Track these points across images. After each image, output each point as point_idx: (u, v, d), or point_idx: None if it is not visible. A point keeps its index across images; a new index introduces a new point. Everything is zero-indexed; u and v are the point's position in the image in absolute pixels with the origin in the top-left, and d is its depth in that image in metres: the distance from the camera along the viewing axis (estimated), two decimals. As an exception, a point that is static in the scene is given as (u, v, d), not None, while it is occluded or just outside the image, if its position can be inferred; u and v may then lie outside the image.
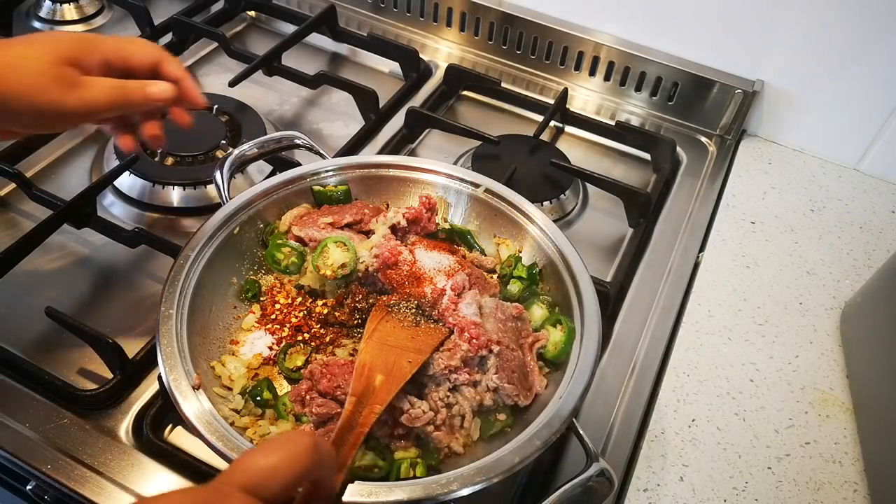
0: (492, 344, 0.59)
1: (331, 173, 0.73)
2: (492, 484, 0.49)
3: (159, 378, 0.56)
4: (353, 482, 0.48)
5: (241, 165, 0.70)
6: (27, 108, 0.53)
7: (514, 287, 0.68)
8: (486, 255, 0.72)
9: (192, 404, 0.53)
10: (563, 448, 0.64)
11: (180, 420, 0.53)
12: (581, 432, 0.55)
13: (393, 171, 0.74)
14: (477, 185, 0.73)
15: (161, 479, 0.60)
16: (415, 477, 0.54)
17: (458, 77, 1.05)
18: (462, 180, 0.73)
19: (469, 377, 0.58)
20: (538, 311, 0.66)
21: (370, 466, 0.54)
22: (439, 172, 0.74)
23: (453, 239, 0.73)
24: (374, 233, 0.68)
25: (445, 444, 0.56)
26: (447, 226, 0.73)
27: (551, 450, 0.63)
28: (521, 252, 0.70)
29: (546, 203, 0.89)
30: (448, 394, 0.58)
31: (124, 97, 0.57)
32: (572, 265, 0.65)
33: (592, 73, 1.06)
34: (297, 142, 0.74)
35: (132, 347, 0.66)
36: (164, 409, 0.63)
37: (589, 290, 0.63)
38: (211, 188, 0.83)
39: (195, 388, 0.54)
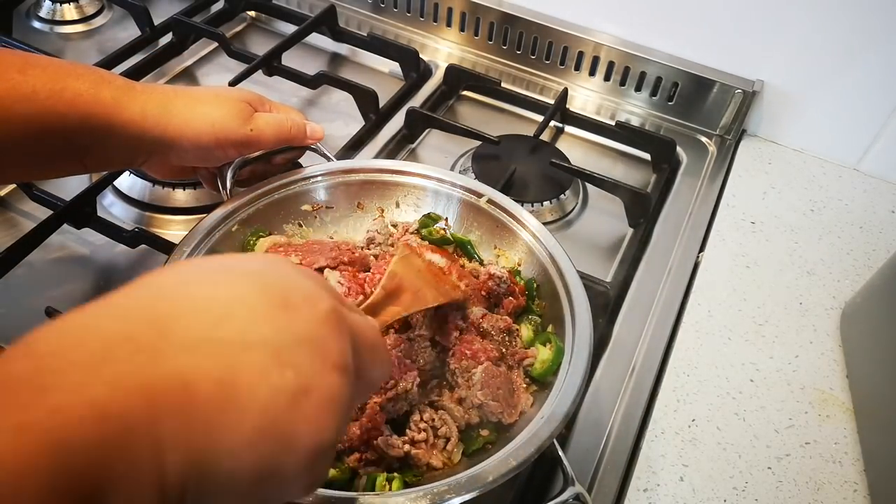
0: (480, 355, 0.59)
1: (335, 176, 0.73)
2: (465, 501, 0.49)
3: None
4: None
5: (244, 165, 0.70)
6: (210, 137, 0.63)
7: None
8: (484, 266, 0.71)
9: None
10: (554, 466, 0.63)
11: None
12: (560, 454, 0.54)
13: (397, 177, 0.74)
14: (479, 195, 0.72)
15: (161, 479, 0.60)
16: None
17: (458, 77, 1.05)
18: (466, 190, 0.73)
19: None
20: (525, 331, 0.65)
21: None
22: (443, 181, 0.73)
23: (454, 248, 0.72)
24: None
25: (425, 462, 0.55)
26: (449, 235, 0.72)
27: (542, 467, 0.63)
28: (520, 265, 0.70)
29: (546, 203, 0.89)
30: (434, 415, 0.57)
31: (288, 131, 0.69)
32: (569, 283, 0.64)
33: (592, 73, 1.06)
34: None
35: (132, 347, 0.66)
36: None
37: (584, 309, 0.61)
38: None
39: None
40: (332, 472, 0.54)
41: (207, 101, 0.64)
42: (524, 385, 0.61)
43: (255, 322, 0.32)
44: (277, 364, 0.31)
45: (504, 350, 0.62)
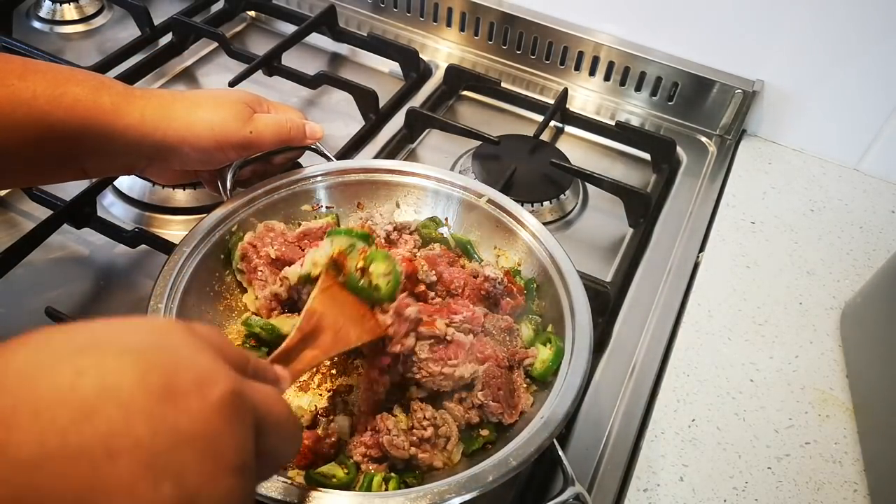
0: (482, 358, 0.59)
1: (335, 176, 0.73)
2: (465, 501, 0.49)
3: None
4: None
5: (244, 165, 0.70)
6: (210, 142, 0.63)
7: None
8: (481, 267, 0.71)
9: None
10: (554, 466, 0.63)
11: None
12: (560, 454, 0.54)
13: (397, 177, 0.74)
14: (479, 195, 0.72)
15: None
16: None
17: (458, 77, 1.05)
18: (466, 190, 0.73)
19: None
20: (526, 330, 0.65)
21: (328, 475, 0.54)
22: (443, 181, 0.73)
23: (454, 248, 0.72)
24: None
25: (428, 464, 0.56)
26: (449, 236, 0.72)
27: (542, 467, 0.63)
28: (520, 265, 0.70)
29: (546, 203, 0.89)
30: (435, 414, 0.57)
31: (287, 132, 0.69)
32: (569, 283, 0.64)
33: (592, 73, 1.06)
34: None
35: (132, 347, 0.66)
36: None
37: (584, 309, 0.61)
38: (211, 188, 0.83)
39: None
40: (338, 471, 0.54)
41: (206, 104, 0.64)
42: (524, 385, 0.61)
43: (127, 420, 0.25)
44: (151, 475, 0.25)
45: (505, 350, 0.62)
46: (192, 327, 0.32)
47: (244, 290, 0.66)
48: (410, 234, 0.71)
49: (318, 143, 0.74)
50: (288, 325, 0.60)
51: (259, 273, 0.63)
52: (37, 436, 0.24)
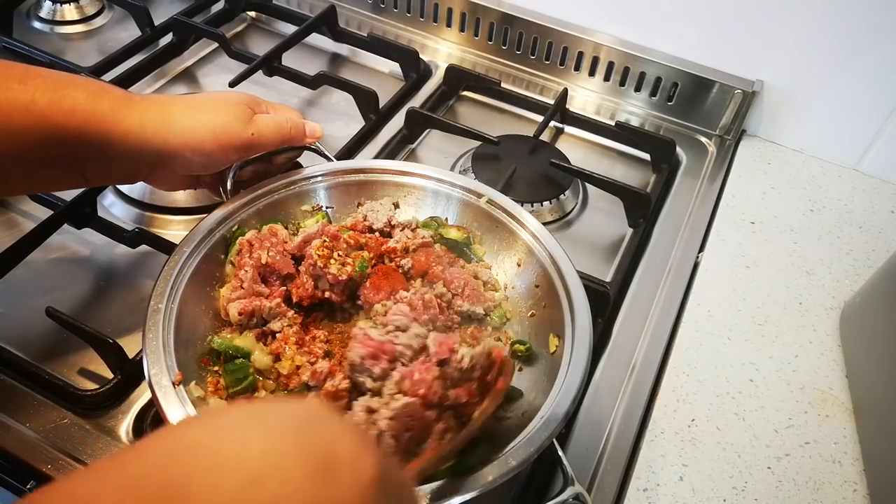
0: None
1: (335, 176, 0.73)
2: (466, 500, 0.49)
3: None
4: None
5: (245, 165, 0.70)
6: (212, 145, 0.62)
7: None
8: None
9: (171, 399, 0.52)
10: (554, 466, 0.63)
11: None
12: (560, 454, 0.54)
13: (397, 177, 0.74)
14: (479, 195, 0.72)
15: (161, 478, 0.60)
16: None
17: (458, 77, 1.05)
18: (466, 190, 0.73)
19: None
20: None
21: None
22: (443, 181, 0.73)
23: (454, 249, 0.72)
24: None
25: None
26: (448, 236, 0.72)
27: (542, 467, 0.63)
28: (520, 266, 0.70)
29: (546, 203, 0.89)
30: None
31: (288, 132, 0.69)
32: (569, 283, 0.64)
33: (592, 73, 1.06)
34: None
35: (132, 347, 0.66)
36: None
37: (584, 310, 0.62)
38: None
39: (175, 384, 0.53)
40: None
41: (207, 107, 0.64)
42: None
43: (291, 487, 0.28)
44: None
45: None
46: (341, 418, 0.35)
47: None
48: (413, 230, 0.71)
49: (318, 144, 0.74)
50: (248, 342, 0.61)
51: (242, 273, 0.63)
52: (213, 494, 0.27)
